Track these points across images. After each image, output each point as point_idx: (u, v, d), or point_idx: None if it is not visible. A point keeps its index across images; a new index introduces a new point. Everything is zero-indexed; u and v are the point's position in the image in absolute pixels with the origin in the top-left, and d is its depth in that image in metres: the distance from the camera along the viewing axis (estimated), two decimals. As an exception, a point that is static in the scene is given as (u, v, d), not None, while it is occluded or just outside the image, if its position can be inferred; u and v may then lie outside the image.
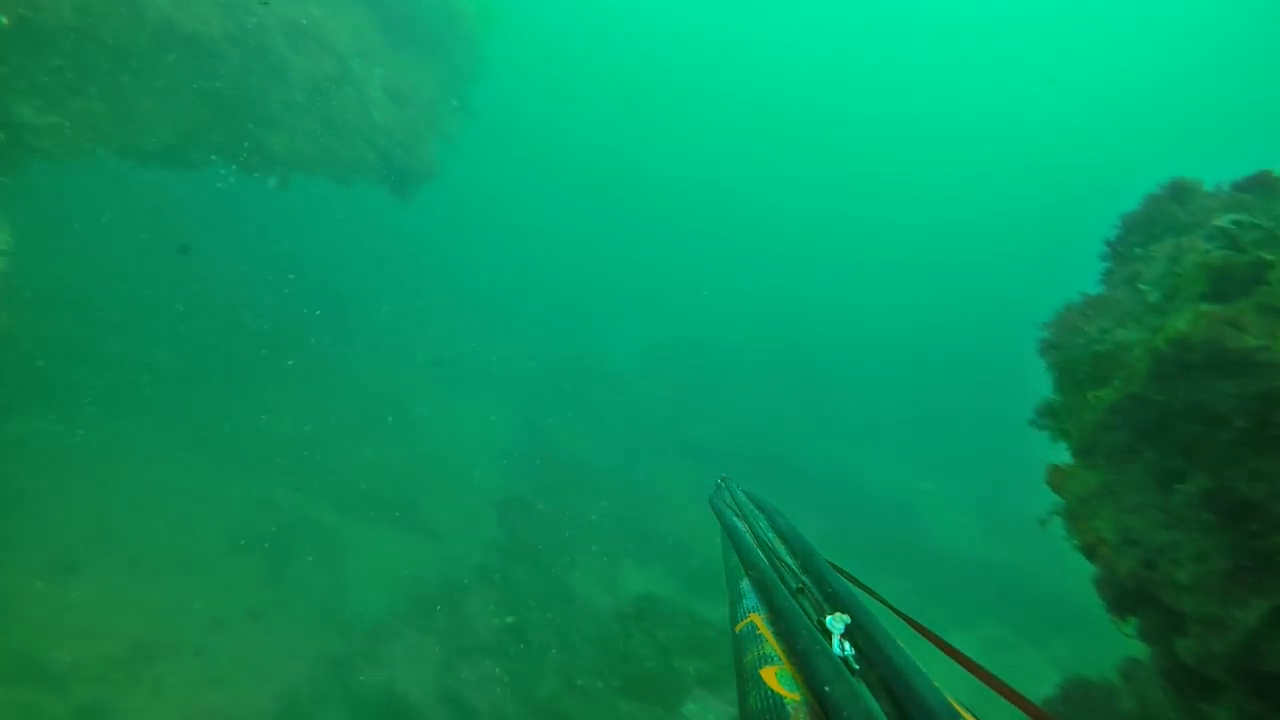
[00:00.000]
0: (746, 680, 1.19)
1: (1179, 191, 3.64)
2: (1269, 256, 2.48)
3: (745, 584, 1.64)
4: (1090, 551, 3.06)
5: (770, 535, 2.14)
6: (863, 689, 1.12)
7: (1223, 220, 2.70)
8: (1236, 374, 2.07)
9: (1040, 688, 4.66)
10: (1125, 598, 2.95)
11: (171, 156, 8.93)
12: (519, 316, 23.56)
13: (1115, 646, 3.68)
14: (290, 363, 16.14)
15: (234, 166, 9.27)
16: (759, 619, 1.39)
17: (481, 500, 15.76)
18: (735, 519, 2.37)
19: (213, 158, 9.07)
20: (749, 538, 2.14)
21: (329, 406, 16.19)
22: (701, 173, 42.59)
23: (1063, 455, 3.67)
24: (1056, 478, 3.43)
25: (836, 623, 1.28)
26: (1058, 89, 40.63)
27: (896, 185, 42.93)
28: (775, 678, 1.13)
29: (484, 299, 23.67)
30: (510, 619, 9.46)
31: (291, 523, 12.03)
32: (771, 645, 1.25)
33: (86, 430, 11.85)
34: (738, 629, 1.43)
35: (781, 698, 1.07)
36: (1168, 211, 3.61)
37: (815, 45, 43.75)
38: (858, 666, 1.16)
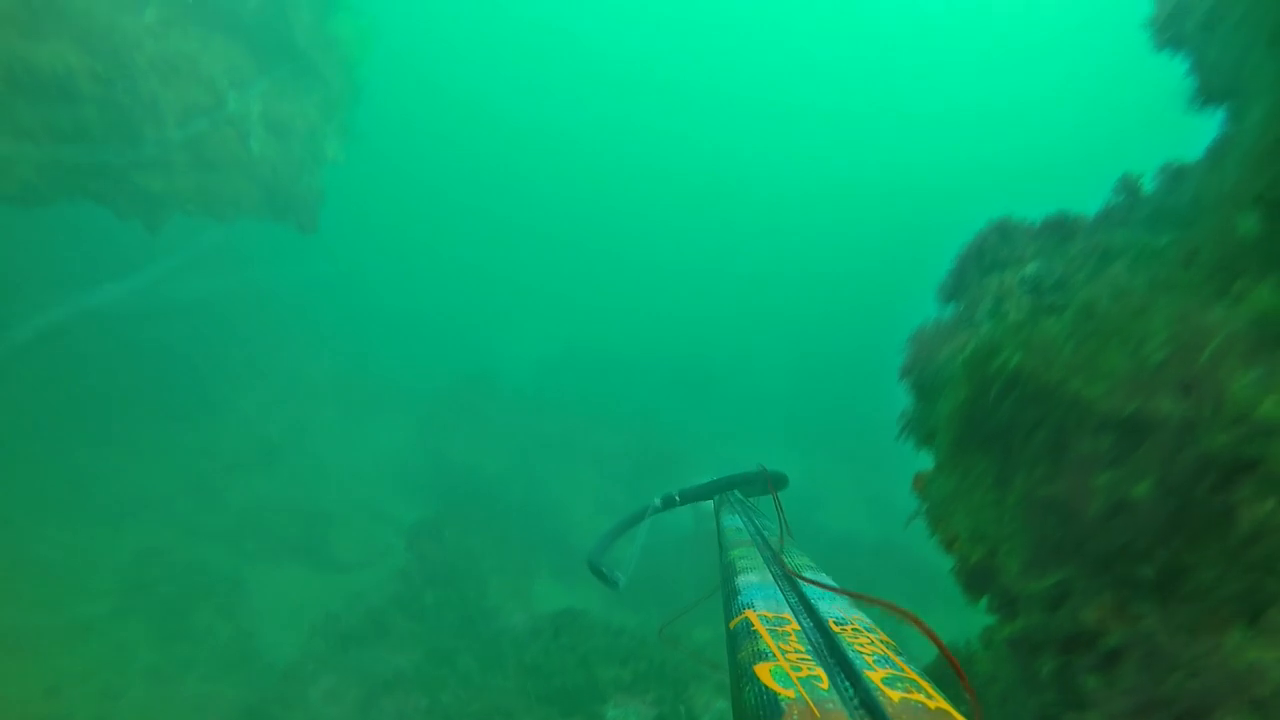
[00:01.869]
0: (740, 676, 1.19)
1: (1004, 230, 4.32)
2: (1059, 301, 3.11)
3: (740, 580, 1.66)
4: (949, 546, 3.62)
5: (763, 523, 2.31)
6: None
7: (1029, 269, 3.32)
8: (1043, 401, 2.64)
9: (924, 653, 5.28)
10: (976, 584, 3.52)
11: (32, 198, 8.47)
12: (411, 337, 23.19)
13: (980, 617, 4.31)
14: (166, 401, 15.36)
15: (106, 209, 8.89)
16: (753, 615, 1.40)
17: (387, 527, 15.51)
18: (734, 516, 2.49)
19: (81, 201, 8.68)
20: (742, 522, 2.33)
21: (215, 444, 15.49)
22: (586, 178, 42.84)
23: (926, 461, 4.25)
24: (919, 483, 3.98)
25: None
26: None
27: (776, 189, 44.48)
28: (769, 674, 1.14)
29: (376, 320, 23.14)
30: (428, 647, 9.50)
31: (186, 571, 11.51)
32: (765, 641, 1.27)
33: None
34: (731, 625, 1.44)
35: (775, 693, 1.08)
36: (995, 246, 4.29)
37: (702, 55, 44.41)
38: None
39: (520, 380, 22.19)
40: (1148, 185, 4.71)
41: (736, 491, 3.07)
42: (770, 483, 3.16)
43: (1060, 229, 4.02)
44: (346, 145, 12.32)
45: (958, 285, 4.55)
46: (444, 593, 11.10)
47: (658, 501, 3.43)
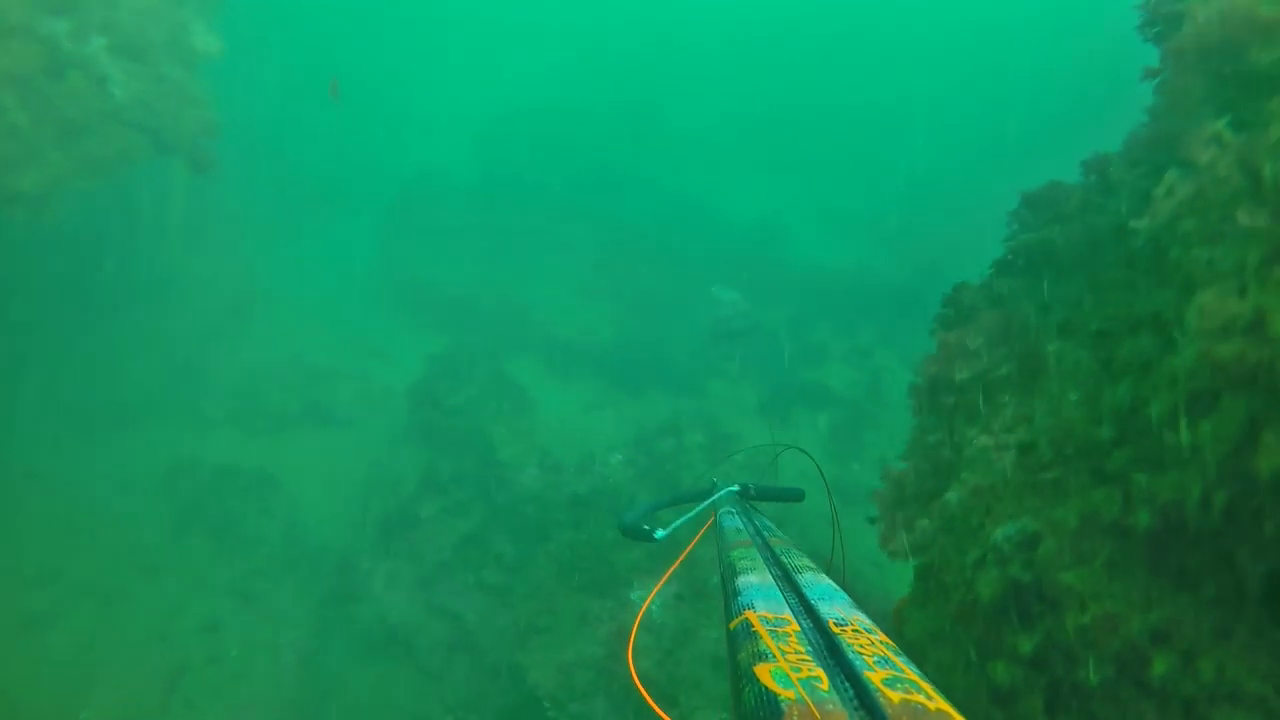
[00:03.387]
0: (740, 677, 1.21)
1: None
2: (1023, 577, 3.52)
3: (740, 582, 1.68)
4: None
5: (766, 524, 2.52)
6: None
7: (999, 534, 3.60)
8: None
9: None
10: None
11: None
12: (345, 143, 21.18)
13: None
14: (102, 296, 14.37)
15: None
16: (753, 616, 1.42)
17: (375, 363, 16.10)
18: (735, 518, 2.59)
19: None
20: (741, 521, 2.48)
21: (179, 323, 15.26)
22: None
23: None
24: (896, 618, 4.66)
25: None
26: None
27: None
28: (769, 675, 1.15)
29: (302, 133, 20.86)
30: (461, 533, 10.84)
31: (217, 478, 12.34)
32: (765, 642, 1.28)
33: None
34: (731, 626, 1.46)
35: (775, 694, 1.09)
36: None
37: None
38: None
39: (466, 171, 20.93)
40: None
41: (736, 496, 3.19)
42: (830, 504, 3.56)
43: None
44: (219, 18, 10.38)
45: (920, 399, 4.71)
46: (456, 460, 12.15)
47: (734, 488, 3.35)
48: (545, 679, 8.49)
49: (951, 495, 4.14)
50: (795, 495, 3.71)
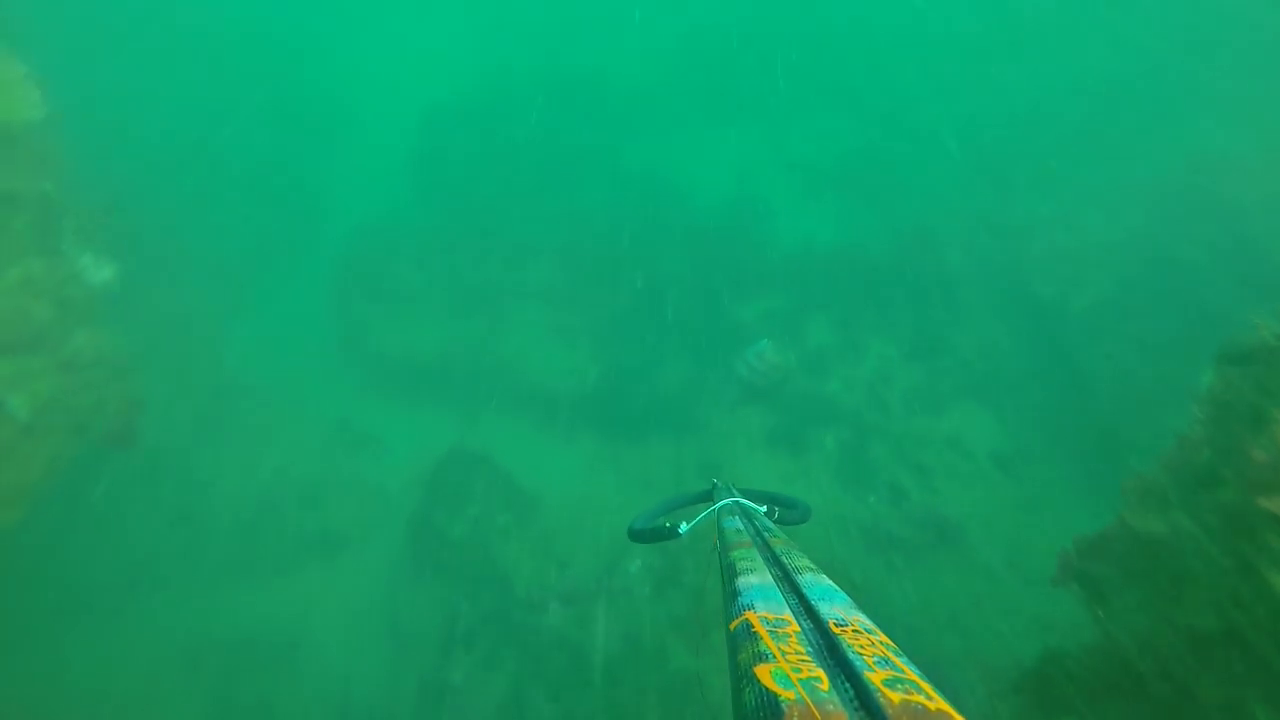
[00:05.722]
0: (741, 678, 1.21)
1: None
2: None
3: (740, 582, 1.68)
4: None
5: (767, 525, 2.55)
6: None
7: None
8: None
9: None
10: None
11: None
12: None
13: None
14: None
15: None
16: (754, 617, 1.42)
17: (362, 460, 15.49)
18: (735, 518, 2.57)
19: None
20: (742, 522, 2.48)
21: (158, 464, 14.54)
22: None
23: None
24: None
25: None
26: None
27: None
28: (770, 675, 1.15)
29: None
30: (497, 682, 10.81)
31: (238, 646, 12.08)
32: (766, 643, 1.28)
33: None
34: (732, 627, 1.45)
35: (776, 695, 1.09)
36: None
37: None
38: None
39: (410, 210, 19.25)
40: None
41: (736, 492, 3.16)
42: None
43: None
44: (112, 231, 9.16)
45: None
46: (474, 601, 11.95)
47: (735, 492, 3.26)
48: None
49: None
50: (801, 514, 3.31)
